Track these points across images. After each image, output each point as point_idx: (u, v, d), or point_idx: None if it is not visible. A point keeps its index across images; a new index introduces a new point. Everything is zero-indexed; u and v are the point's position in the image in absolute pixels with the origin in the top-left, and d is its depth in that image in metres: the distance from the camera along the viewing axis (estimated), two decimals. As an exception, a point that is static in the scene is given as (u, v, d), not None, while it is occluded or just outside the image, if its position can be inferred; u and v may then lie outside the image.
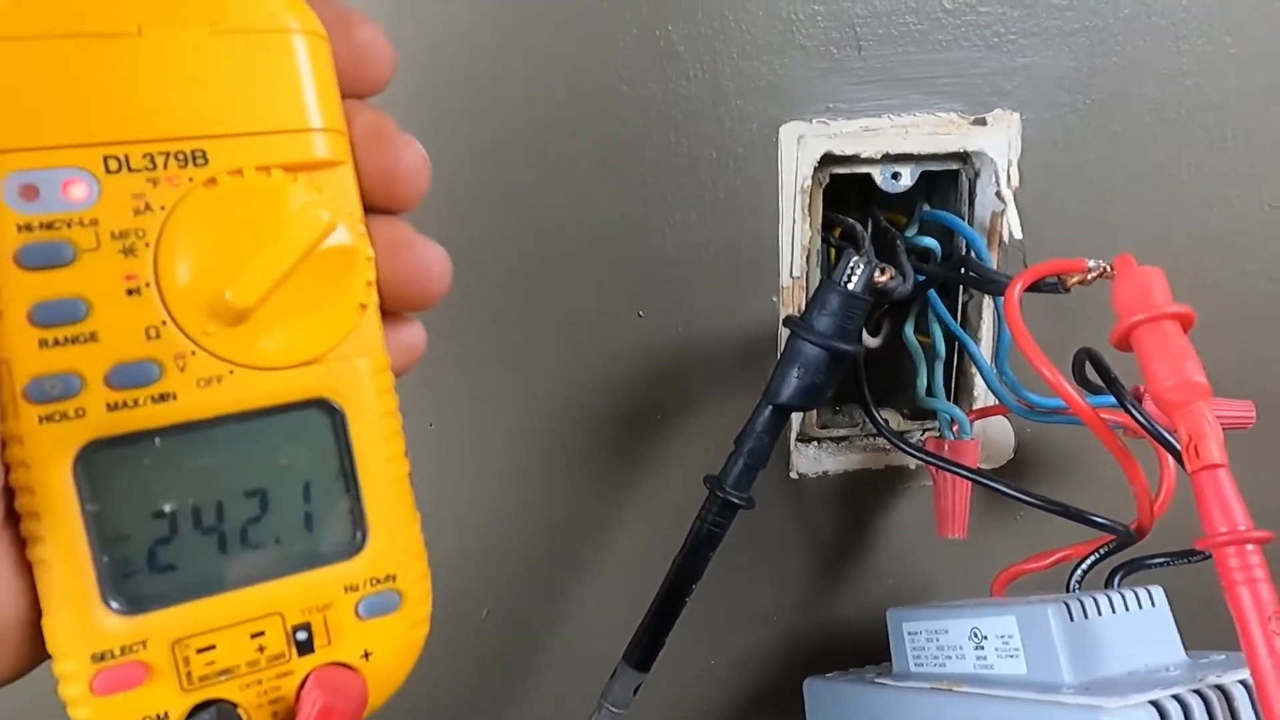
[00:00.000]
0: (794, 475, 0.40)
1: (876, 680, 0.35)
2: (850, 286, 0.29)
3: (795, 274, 0.37)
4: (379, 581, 0.18)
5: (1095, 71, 0.37)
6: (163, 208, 0.16)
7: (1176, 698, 0.26)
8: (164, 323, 0.16)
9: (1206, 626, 0.32)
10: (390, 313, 0.18)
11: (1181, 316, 0.28)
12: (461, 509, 0.38)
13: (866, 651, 0.40)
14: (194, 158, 0.16)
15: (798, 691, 0.38)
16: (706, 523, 0.31)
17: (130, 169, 0.16)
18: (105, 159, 0.15)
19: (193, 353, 0.16)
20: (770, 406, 0.30)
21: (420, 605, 0.19)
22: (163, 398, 0.16)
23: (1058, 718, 0.27)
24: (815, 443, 0.40)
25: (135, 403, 0.16)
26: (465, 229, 0.35)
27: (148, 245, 0.16)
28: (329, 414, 0.17)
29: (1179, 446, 0.27)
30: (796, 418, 0.40)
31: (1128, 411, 0.30)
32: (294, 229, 0.16)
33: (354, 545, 0.18)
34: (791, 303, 0.37)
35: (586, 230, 0.36)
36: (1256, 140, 0.39)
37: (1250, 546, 0.25)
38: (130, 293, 0.16)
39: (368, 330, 0.18)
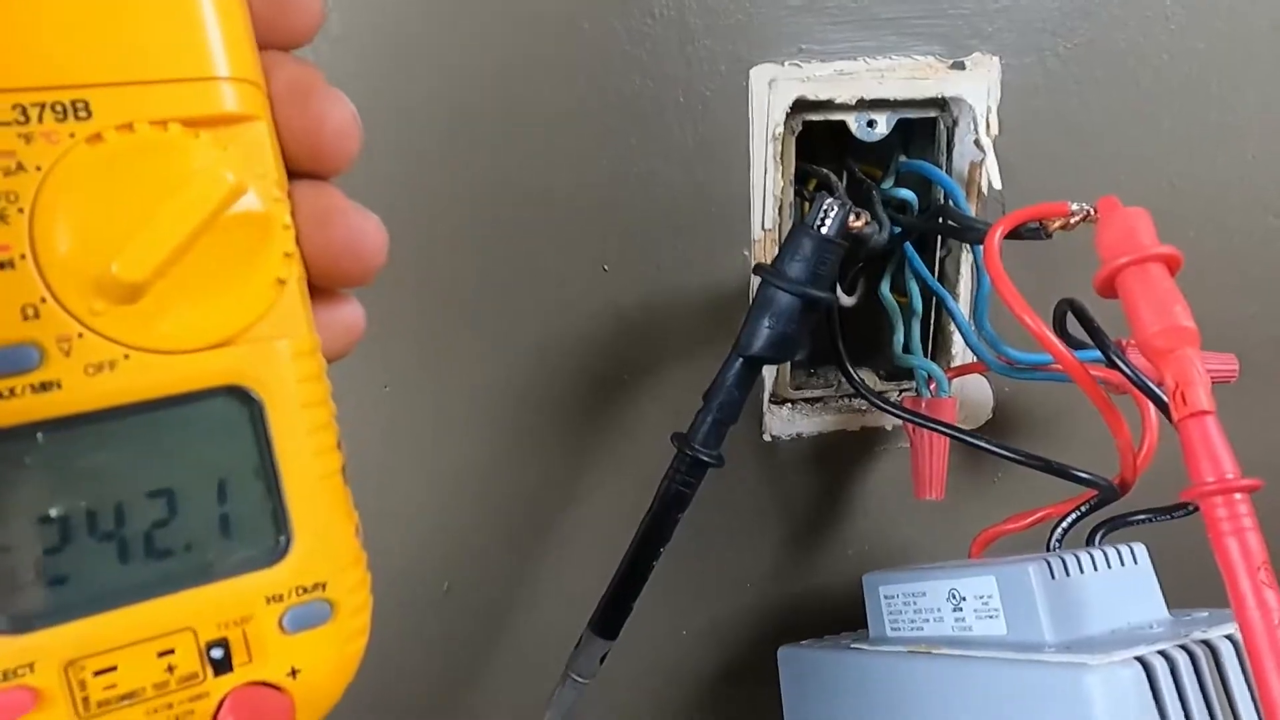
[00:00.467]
0: (767, 438, 0.39)
1: (852, 646, 0.34)
2: (824, 230, 0.28)
3: (767, 226, 0.36)
4: (306, 590, 0.16)
5: (1078, 14, 0.36)
6: (38, 168, 0.14)
7: (1162, 653, 0.25)
8: (43, 300, 0.14)
9: (1188, 585, 0.31)
10: (322, 289, 0.17)
11: (1168, 258, 0.27)
12: (419, 477, 0.36)
13: (842, 618, 0.39)
14: (75, 109, 0.14)
15: (772, 660, 0.37)
16: (675, 482, 0.30)
17: None
18: None
19: (79, 335, 0.14)
20: (740, 359, 0.29)
21: (355, 615, 0.17)
22: (45, 386, 0.14)
23: (1040, 677, 0.26)
24: (789, 404, 0.39)
25: (12, 392, 0.14)
26: (418, 183, 0.33)
27: (21, 211, 0.14)
28: (244, 403, 0.15)
29: (1165, 397, 0.26)
30: (769, 378, 0.38)
31: (1112, 362, 0.29)
32: (193, 192, 0.14)
33: (276, 551, 0.16)
34: (763, 255, 0.36)
35: (547, 180, 0.34)
36: (1240, 89, 0.38)
37: (1238, 495, 0.24)
38: (2, 266, 0.14)
39: (288, 308, 0.16)
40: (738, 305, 0.36)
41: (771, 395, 0.39)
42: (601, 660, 0.32)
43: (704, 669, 0.41)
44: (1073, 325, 0.32)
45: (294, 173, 0.16)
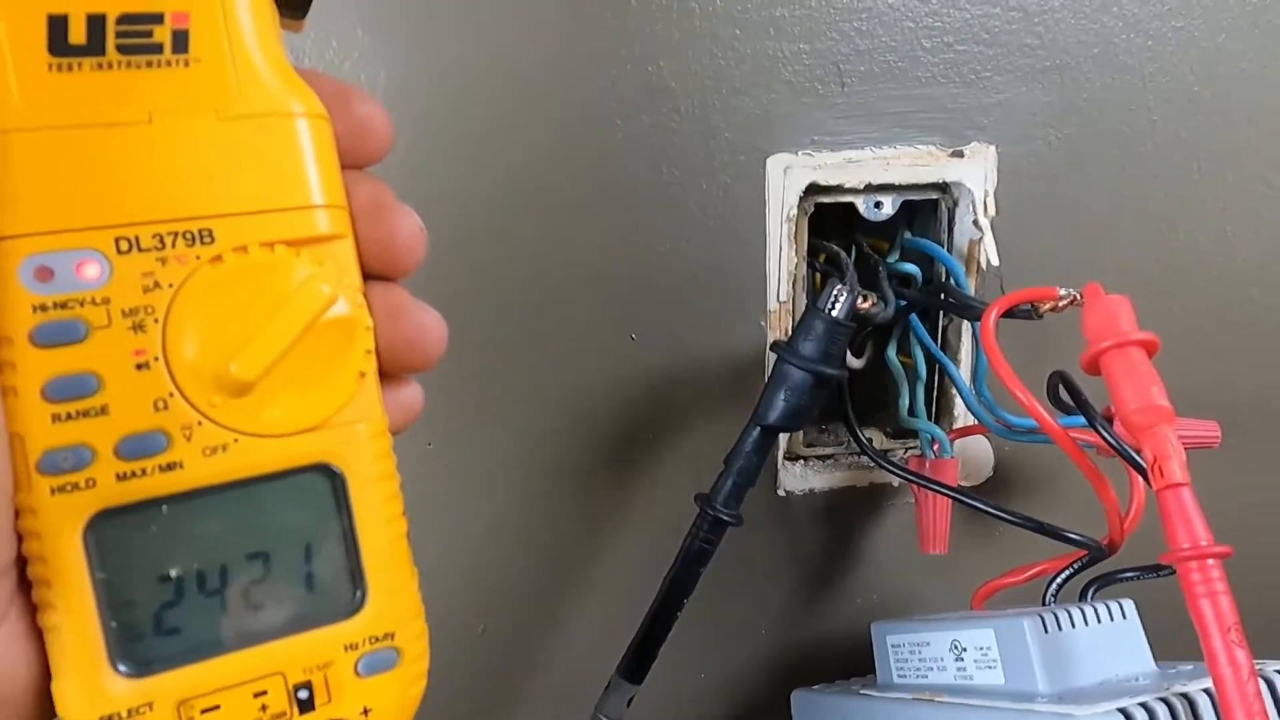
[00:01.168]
0: (781, 492, 0.41)
1: (861, 691, 0.37)
2: (834, 314, 0.31)
3: (782, 299, 0.39)
4: (377, 640, 0.18)
5: (1067, 107, 0.39)
6: (171, 285, 0.17)
7: (1144, 705, 0.27)
8: (171, 395, 0.17)
9: (1176, 638, 0.33)
10: (389, 375, 0.19)
11: (1146, 343, 0.29)
12: (458, 527, 0.39)
13: (851, 664, 0.42)
14: (201, 236, 0.17)
15: (785, 703, 0.39)
16: (697, 539, 0.32)
17: (140, 249, 0.16)
18: (117, 240, 0.16)
19: (199, 423, 0.17)
20: (758, 428, 0.32)
21: (417, 661, 0.19)
22: (170, 467, 0.17)
23: (1032, 726, 0.28)
24: (802, 461, 0.42)
25: (144, 472, 0.16)
26: (463, 260, 0.36)
27: (156, 321, 0.16)
28: (329, 478, 0.18)
29: (1145, 466, 0.29)
30: (783, 438, 0.41)
31: (1097, 431, 0.32)
32: (296, 303, 0.17)
33: (354, 604, 0.18)
34: (778, 327, 0.39)
35: (581, 258, 0.37)
36: (1220, 174, 0.41)
37: (1211, 561, 0.26)
38: (139, 367, 0.16)
39: (367, 396, 0.18)
40: (753, 371, 0.39)
41: (786, 453, 0.41)
42: (629, 703, 0.34)
43: (721, 712, 0.43)
44: (1064, 394, 0.34)
45: (367, 275, 0.19)
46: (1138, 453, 0.32)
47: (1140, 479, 0.35)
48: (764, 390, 0.32)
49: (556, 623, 0.41)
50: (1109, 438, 0.32)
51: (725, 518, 0.32)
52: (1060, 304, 0.32)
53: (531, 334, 0.37)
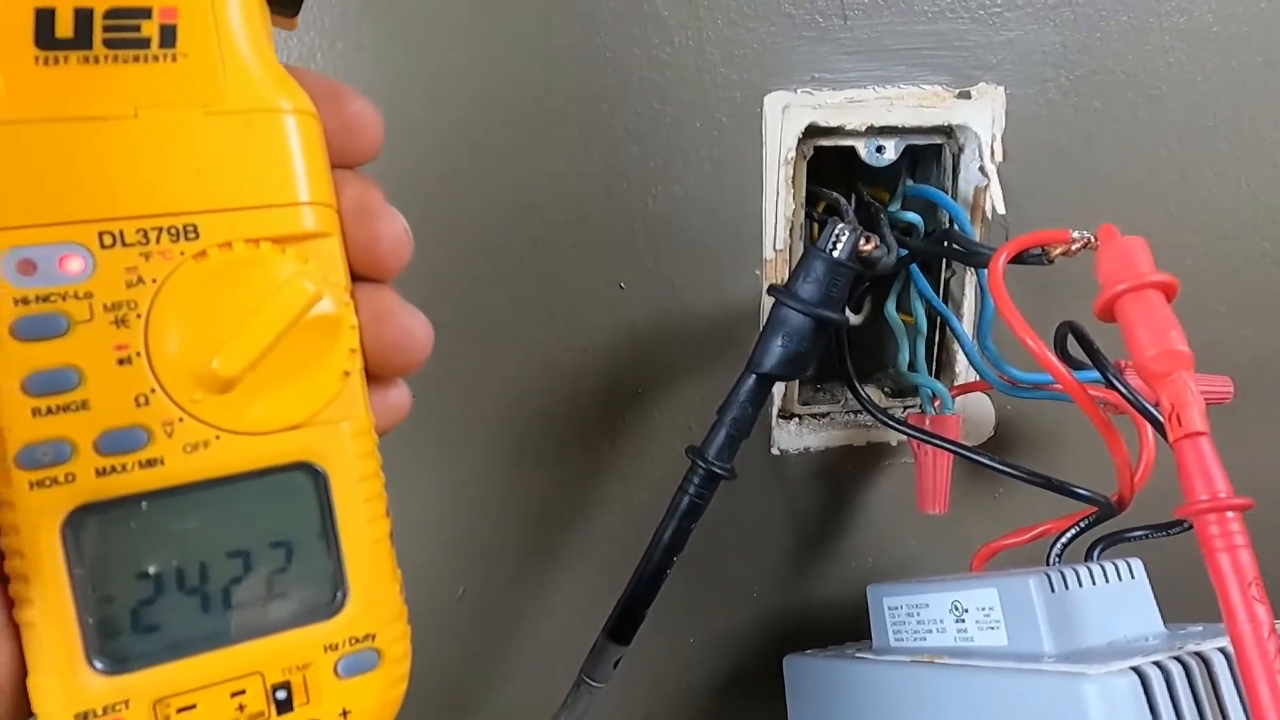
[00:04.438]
0: (775, 451, 0.40)
1: (857, 655, 0.35)
2: (835, 254, 0.29)
3: (778, 247, 0.37)
4: (358, 641, 0.18)
5: (1079, 47, 0.37)
6: (154, 280, 0.16)
7: (1157, 664, 0.26)
8: (153, 390, 0.16)
9: (1182, 600, 0.32)
10: (374, 376, 0.19)
11: (1165, 285, 0.28)
12: (436, 485, 0.37)
13: (845, 629, 0.40)
14: (185, 232, 0.17)
15: (777, 668, 0.38)
16: (688, 494, 0.31)
17: (124, 244, 0.16)
18: (100, 234, 0.16)
19: (180, 419, 0.17)
20: (754, 376, 0.30)
21: (399, 663, 0.19)
22: (150, 463, 0.17)
23: (1040, 686, 0.27)
24: (797, 419, 0.40)
25: (124, 468, 0.16)
26: (442, 201, 0.34)
27: (139, 316, 0.16)
28: (312, 476, 0.18)
29: (1161, 418, 0.27)
30: (778, 394, 0.39)
31: (1110, 384, 0.30)
32: (280, 300, 0.17)
33: (334, 605, 0.18)
34: (774, 276, 0.37)
35: (567, 201, 0.35)
36: (1235, 120, 0.39)
37: (1230, 514, 0.25)
38: (121, 362, 0.16)
39: (351, 395, 0.18)
40: (748, 323, 0.38)
41: (780, 410, 0.40)
42: (615, 665, 0.33)
43: (710, 677, 0.42)
44: (1073, 347, 0.33)
45: (353, 277, 0.18)
46: (1152, 405, 0.30)
47: (1150, 435, 0.34)
48: (760, 336, 0.30)
49: (539, 584, 0.39)
50: (1123, 389, 0.30)
51: (718, 470, 0.30)
52: (1073, 247, 0.30)
53: (514, 282, 0.36)
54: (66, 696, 0.16)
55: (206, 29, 0.17)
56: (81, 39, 0.16)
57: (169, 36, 0.16)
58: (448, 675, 0.39)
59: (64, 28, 0.16)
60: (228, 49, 0.17)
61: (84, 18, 0.16)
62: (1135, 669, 0.25)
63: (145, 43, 0.16)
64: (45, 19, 0.16)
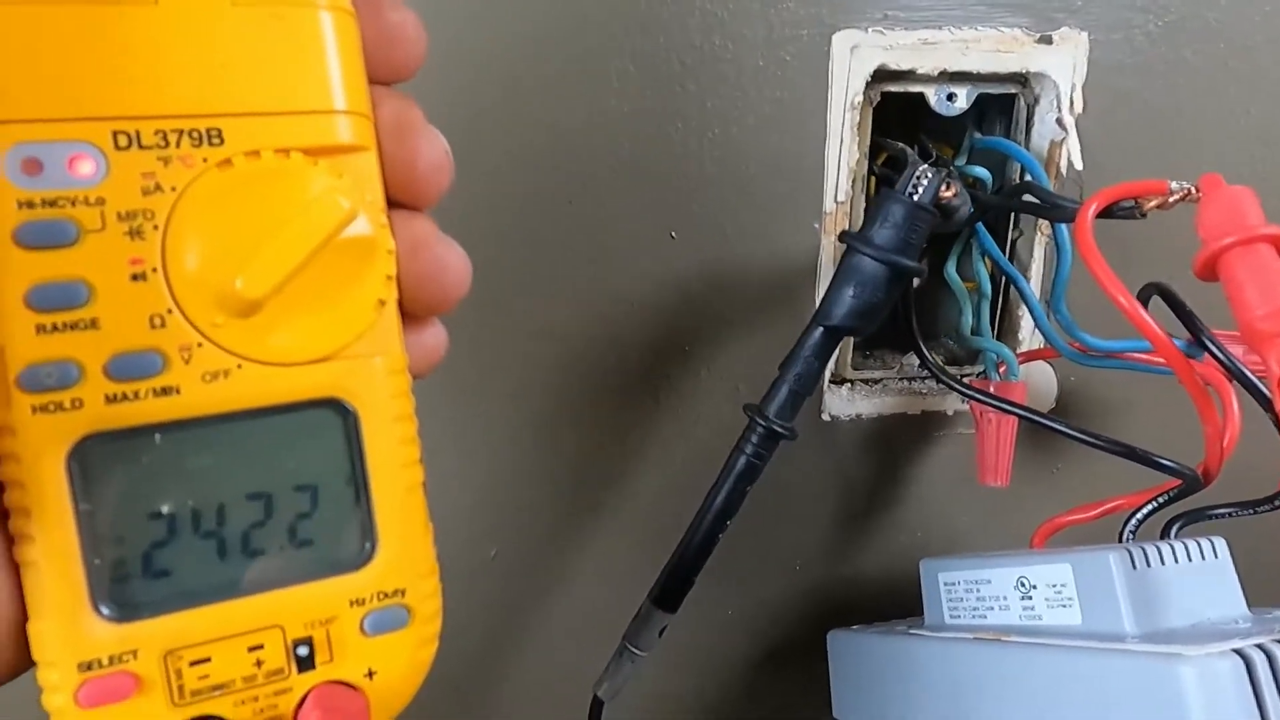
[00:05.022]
0: (826, 417, 0.38)
1: (911, 632, 0.33)
2: (916, 197, 0.27)
3: (840, 199, 0.35)
4: (387, 596, 0.17)
5: (1171, -10, 0.34)
6: (173, 188, 0.15)
7: (1260, 647, 0.24)
8: (169, 311, 0.15)
9: (1267, 586, 0.30)
10: (407, 313, 0.17)
11: (1277, 239, 0.26)
12: (469, 440, 0.35)
13: (893, 604, 0.39)
14: (209, 136, 0.15)
15: (820, 643, 0.36)
16: (747, 454, 0.29)
17: (141, 146, 0.15)
18: (115, 134, 0.15)
19: (199, 344, 0.15)
20: (821, 328, 0.28)
21: (429, 623, 0.18)
22: (165, 391, 0.15)
23: (1126, 667, 0.25)
24: (849, 385, 0.38)
25: (136, 395, 0.15)
26: (489, 146, 0.32)
27: (156, 228, 0.15)
28: (341, 415, 0.17)
29: (1264, 388, 0.25)
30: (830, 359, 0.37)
31: (1206, 347, 0.28)
32: (311, 216, 0.15)
33: (362, 556, 0.17)
34: (834, 229, 0.35)
35: (616, 140, 0.33)
36: (1330, 77, 0.37)
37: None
38: (135, 278, 0.15)
39: (385, 328, 0.17)
40: (804, 280, 0.35)
41: (832, 375, 0.38)
42: (661, 633, 0.31)
43: (750, 650, 0.40)
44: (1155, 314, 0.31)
45: (389, 201, 0.17)
46: (1253, 374, 0.28)
47: (1236, 407, 0.32)
48: (830, 286, 0.28)
49: (574, 549, 0.37)
50: (1221, 355, 0.28)
51: (779, 429, 0.28)
52: (1171, 199, 0.28)
53: (560, 226, 0.33)
54: (70, 644, 0.15)
55: None
56: None
57: None
58: (478, 639, 0.38)
59: None
60: None
61: None
62: (1237, 651, 0.24)
63: None
64: None
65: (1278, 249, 0.26)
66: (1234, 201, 0.26)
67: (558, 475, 0.37)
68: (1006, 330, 0.39)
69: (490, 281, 0.33)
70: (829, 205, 0.35)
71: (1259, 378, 0.27)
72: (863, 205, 0.36)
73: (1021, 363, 0.37)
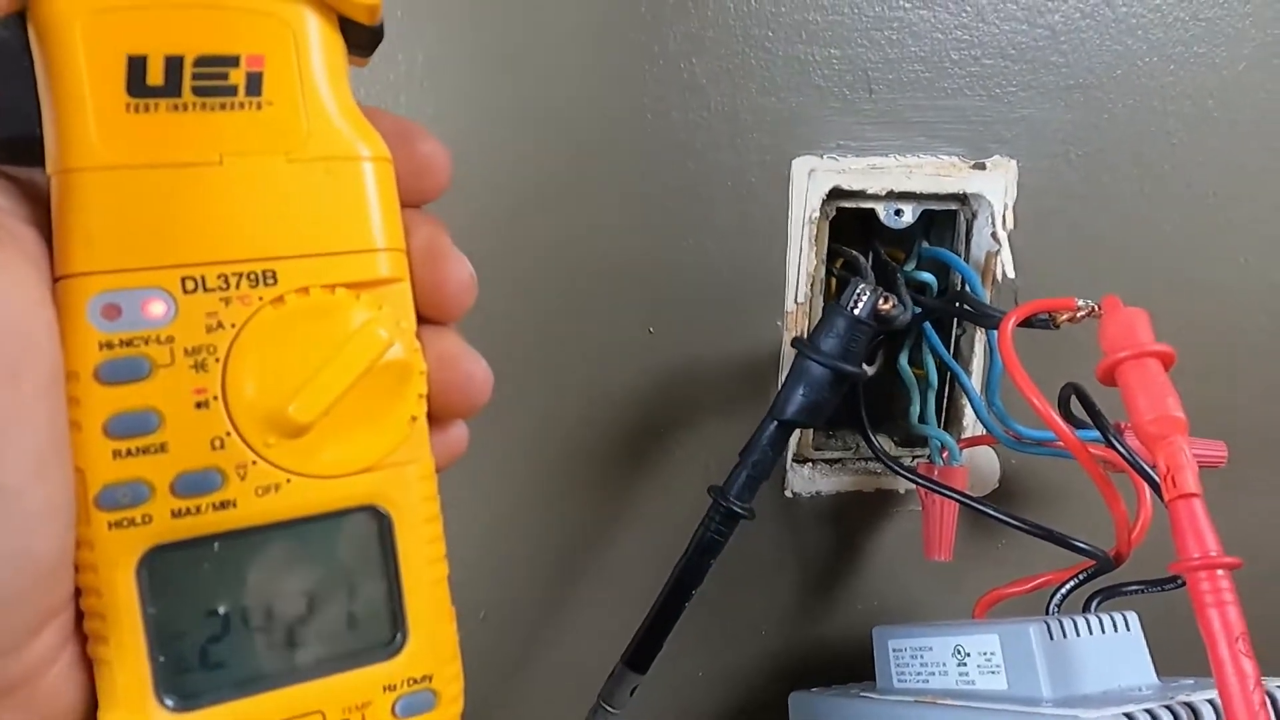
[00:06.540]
0: (789, 494, 0.42)
1: (861, 694, 0.37)
2: (856, 312, 0.31)
3: (799, 300, 0.39)
4: (416, 681, 0.18)
5: (1089, 126, 0.39)
6: (233, 325, 0.17)
7: (1149, 712, 0.27)
8: (228, 434, 0.17)
9: (1176, 655, 0.33)
10: (434, 418, 0.19)
11: (1163, 355, 0.30)
12: (466, 512, 0.39)
13: (851, 668, 0.42)
14: (264, 278, 0.17)
15: (783, 704, 0.39)
16: (709, 531, 0.33)
17: (206, 289, 0.16)
18: (183, 280, 0.16)
19: (254, 462, 0.17)
20: (775, 422, 0.32)
21: (453, 704, 0.19)
22: (224, 505, 0.17)
23: (1037, 728, 0.28)
24: (810, 464, 0.42)
25: (198, 509, 0.17)
26: (484, 246, 0.36)
27: (218, 360, 0.17)
28: (377, 519, 0.18)
29: (1157, 479, 0.29)
30: (793, 440, 0.41)
31: (1110, 444, 0.32)
32: (355, 346, 0.17)
33: (394, 646, 0.18)
34: (795, 326, 0.39)
35: (605, 251, 0.37)
36: (1235, 200, 0.41)
37: (1220, 571, 0.27)
38: (199, 405, 0.17)
39: (418, 438, 0.18)
40: (769, 371, 0.40)
41: (794, 455, 0.42)
42: (632, 693, 0.34)
43: (718, 711, 0.43)
44: (1076, 408, 0.35)
45: (419, 318, 0.19)
46: (1150, 466, 0.32)
47: (1148, 493, 0.36)
48: (783, 385, 0.32)
49: (560, 612, 0.41)
50: (1121, 449, 0.32)
51: (738, 510, 0.32)
52: (1079, 314, 0.32)
53: (550, 323, 0.38)
54: None
55: (290, 76, 0.17)
56: (171, 86, 0.16)
57: (255, 84, 0.17)
58: (466, 698, 0.41)
59: (155, 75, 0.16)
60: (310, 96, 0.17)
61: (174, 65, 0.16)
62: (1128, 715, 0.27)
63: (232, 90, 0.16)
64: (137, 66, 0.16)
65: (1164, 363, 0.30)
66: (1129, 321, 0.30)
67: (545, 545, 0.40)
68: (953, 418, 0.43)
69: (491, 367, 0.38)
70: (790, 305, 0.39)
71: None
72: (821, 305, 0.40)
73: (964, 448, 0.41)
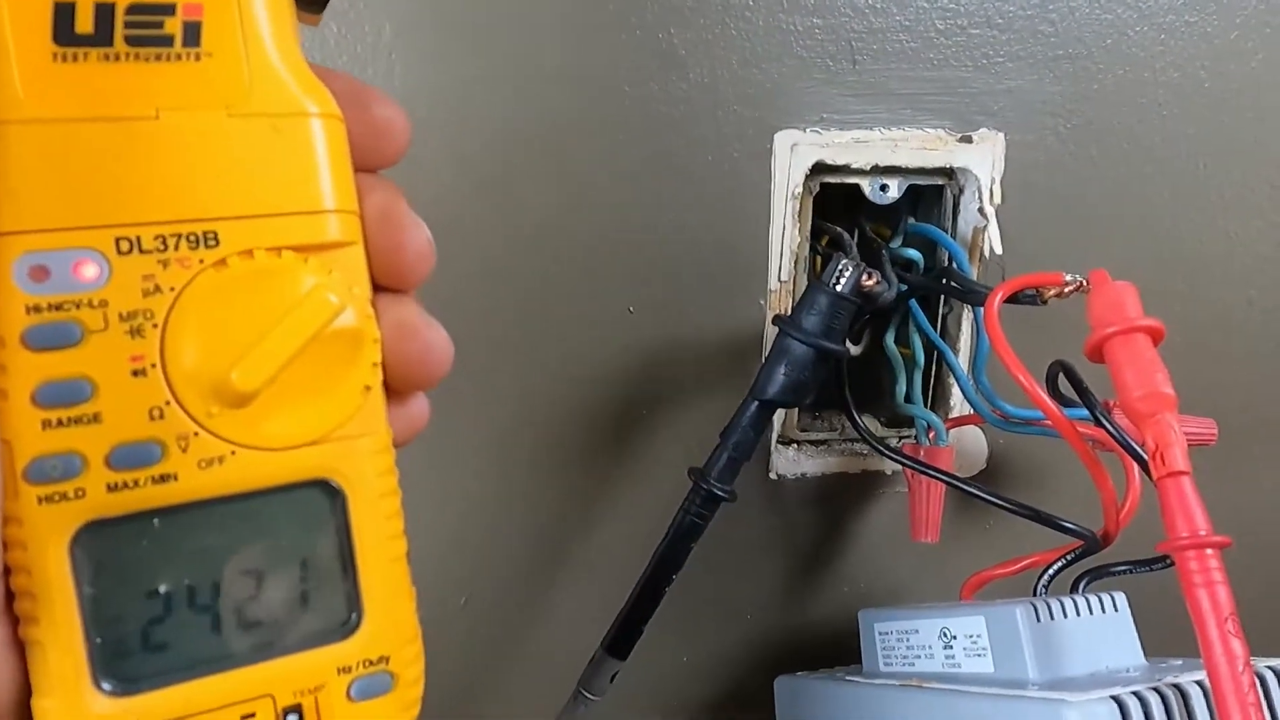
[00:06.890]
0: (773, 476, 0.41)
1: (847, 679, 0.36)
2: (839, 288, 0.30)
3: (783, 278, 0.38)
4: (372, 663, 0.18)
5: (1078, 97, 0.38)
6: (172, 289, 0.16)
7: (1136, 694, 0.27)
8: (168, 404, 0.16)
9: (1165, 635, 0.33)
10: (392, 390, 0.18)
11: (1152, 330, 0.29)
12: (443, 496, 0.38)
13: (836, 652, 0.41)
14: (205, 239, 0.16)
15: (768, 689, 0.39)
16: (689, 514, 0.32)
17: (142, 250, 0.16)
18: (117, 240, 0.16)
19: (195, 434, 0.16)
20: (756, 402, 0.31)
21: (412, 687, 0.18)
22: (163, 478, 0.16)
23: (1023, 712, 0.28)
24: (795, 445, 0.41)
25: (136, 483, 0.16)
26: (459, 222, 0.35)
27: (155, 326, 0.16)
28: (329, 494, 0.17)
29: (1146, 457, 0.28)
30: (778, 420, 0.40)
31: (1098, 422, 0.32)
32: (302, 312, 0.16)
33: (348, 626, 0.18)
34: (778, 305, 0.38)
35: (583, 227, 0.36)
36: (1225, 172, 0.41)
37: (1209, 550, 0.26)
38: (136, 374, 0.16)
39: (371, 410, 0.18)
40: (751, 350, 0.39)
41: (779, 436, 0.41)
42: (612, 679, 0.33)
43: (703, 695, 0.43)
44: (1064, 386, 0.34)
45: (374, 285, 0.18)
46: (1138, 445, 0.32)
47: (1137, 473, 0.35)
48: (763, 364, 0.32)
49: (541, 597, 0.40)
50: (1110, 427, 0.31)
51: (719, 492, 0.31)
52: (1066, 289, 0.32)
53: (527, 302, 0.37)
54: (72, 718, 0.16)
55: (231, 27, 0.16)
56: (102, 35, 0.15)
57: (193, 34, 0.16)
58: (447, 683, 0.40)
59: (84, 23, 0.15)
60: (253, 49, 0.16)
61: (105, 13, 0.15)
62: (1115, 698, 0.26)
63: (168, 40, 0.16)
64: (65, 13, 0.15)
65: (1153, 339, 0.29)
66: (1117, 295, 0.30)
67: (526, 529, 0.39)
68: (940, 397, 0.42)
69: (464, 347, 0.36)
70: (773, 284, 0.38)
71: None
72: (804, 284, 0.39)
73: (951, 428, 0.40)
